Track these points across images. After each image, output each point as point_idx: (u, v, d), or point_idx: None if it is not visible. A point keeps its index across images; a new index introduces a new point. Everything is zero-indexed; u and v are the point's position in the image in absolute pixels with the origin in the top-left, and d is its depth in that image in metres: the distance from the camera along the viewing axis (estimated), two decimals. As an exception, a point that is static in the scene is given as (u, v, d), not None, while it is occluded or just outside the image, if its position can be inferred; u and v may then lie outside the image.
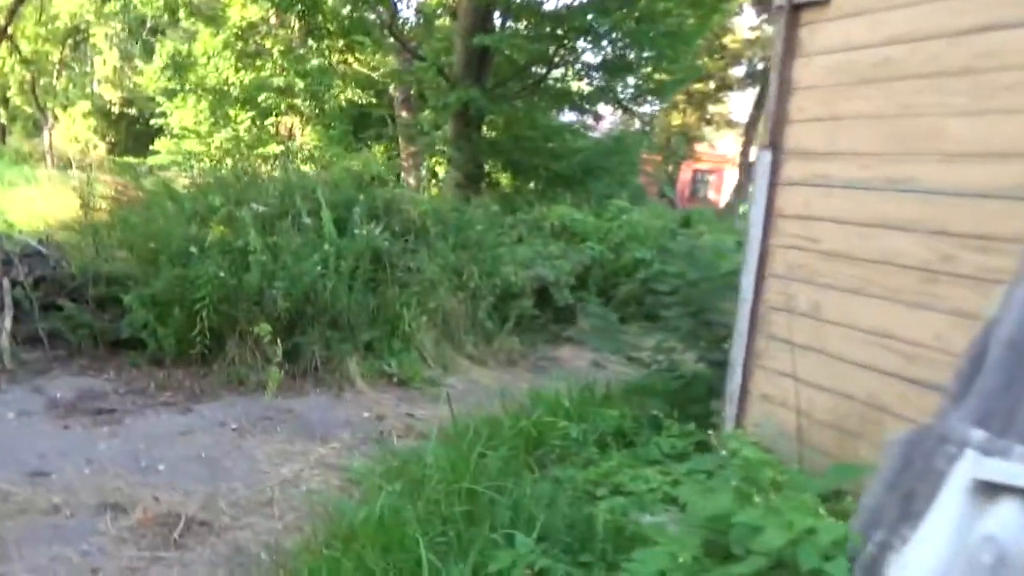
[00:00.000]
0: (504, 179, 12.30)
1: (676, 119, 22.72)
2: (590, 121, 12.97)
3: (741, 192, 26.85)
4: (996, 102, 3.02)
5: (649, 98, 12.10)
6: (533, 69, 11.81)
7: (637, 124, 14.34)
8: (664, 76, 11.14)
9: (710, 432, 4.60)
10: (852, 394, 3.59)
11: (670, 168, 23.61)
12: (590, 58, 11.42)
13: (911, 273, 3.34)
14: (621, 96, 11.77)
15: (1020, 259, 2.68)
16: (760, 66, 24.11)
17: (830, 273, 3.73)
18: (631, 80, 11.57)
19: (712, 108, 24.52)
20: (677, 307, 6.05)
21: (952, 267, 3.17)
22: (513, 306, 8.20)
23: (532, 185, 11.71)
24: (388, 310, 7.02)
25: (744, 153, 25.99)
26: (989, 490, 2.24)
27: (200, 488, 4.18)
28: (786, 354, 3.96)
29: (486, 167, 11.66)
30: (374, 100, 15.28)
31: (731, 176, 37.55)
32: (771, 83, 4.08)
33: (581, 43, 10.81)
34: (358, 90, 14.66)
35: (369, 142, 14.30)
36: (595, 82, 11.50)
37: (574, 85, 12.26)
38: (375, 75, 13.75)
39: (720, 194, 37.19)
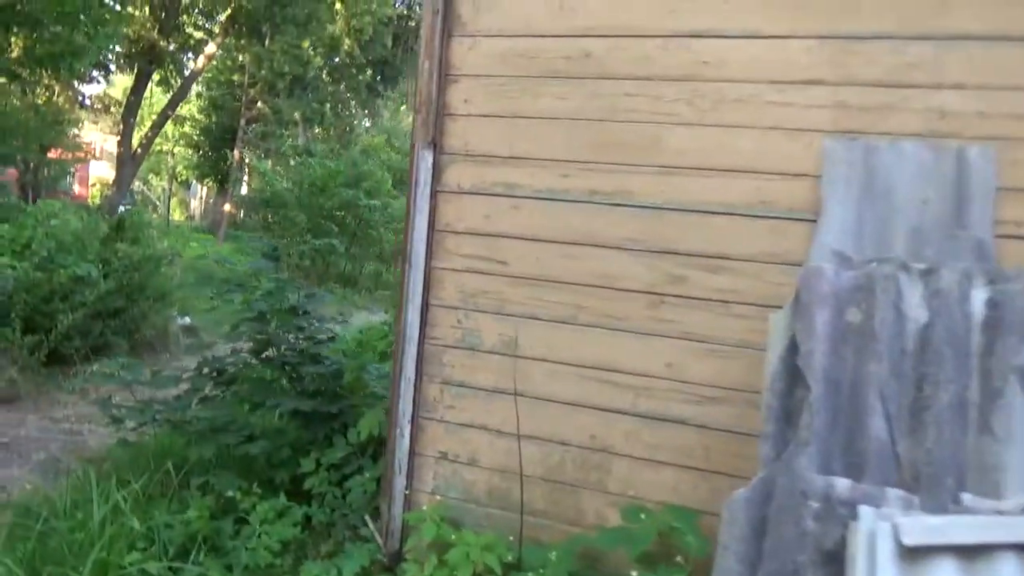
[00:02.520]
0: None
1: (40, 97, 18.57)
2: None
3: (122, 187, 23.89)
4: (721, 115, 2.87)
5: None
6: None
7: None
8: (82, 39, 8.56)
9: (365, 516, 3.57)
10: (567, 439, 3.10)
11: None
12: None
13: (635, 297, 3.00)
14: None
15: (801, 281, 2.55)
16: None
17: (526, 301, 3.14)
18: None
19: (85, 88, 20.94)
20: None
21: (681, 289, 2.94)
22: None
23: None
24: None
25: (123, 143, 23.11)
26: (915, 553, 2.01)
27: None
28: (470, 401, 3.23)
29: None
30: None
31: (98, 168, 33.54)
32: (422, 64, 3.24)
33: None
34: None
35: None
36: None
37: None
38: None
39: (87, 188, 32.82)
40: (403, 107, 28.35)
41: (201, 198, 39.65)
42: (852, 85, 2.71)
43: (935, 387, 2.33)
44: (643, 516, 2.71)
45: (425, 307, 3.28)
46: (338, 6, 22.89)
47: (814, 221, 2.77)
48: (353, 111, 28.55)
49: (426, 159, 3.20)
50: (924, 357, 2.38)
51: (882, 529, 2.05)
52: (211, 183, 30.88)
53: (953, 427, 2.28)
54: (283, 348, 4.39)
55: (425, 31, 3.20)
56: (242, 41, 23.10)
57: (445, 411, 3.28)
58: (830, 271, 2.55)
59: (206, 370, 4.77)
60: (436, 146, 3.22)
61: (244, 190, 27.31)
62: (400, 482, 3.30)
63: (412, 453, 3.32)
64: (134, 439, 4.52)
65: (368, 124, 29.45)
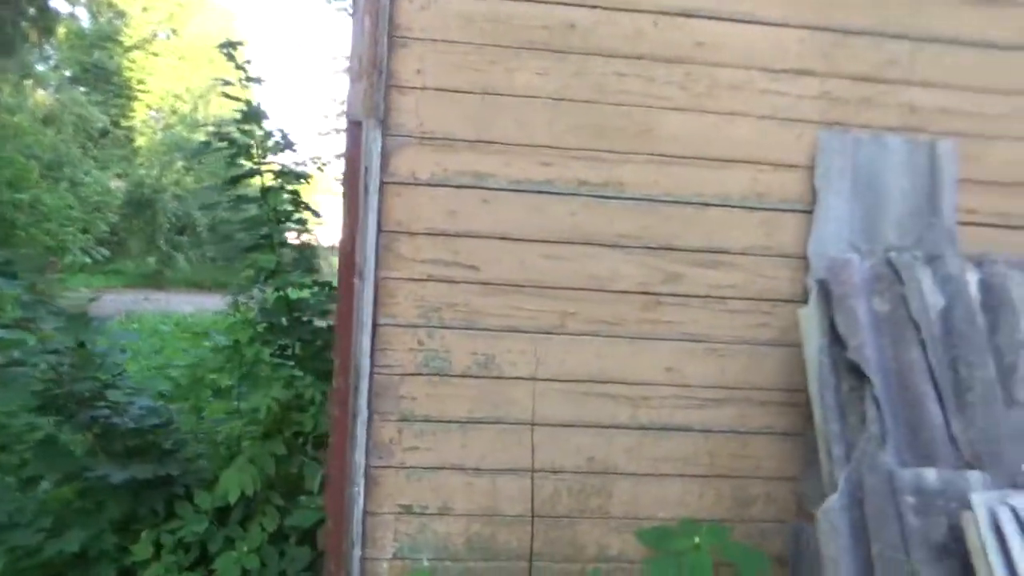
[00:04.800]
0: None
1: None
2: None
3: None
4: (716, 101, 2.70)
5: None
6: None
7: None
8: None
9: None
10: (560, 467, 2.71)
11: None
12: None
13: (629, 299, 2.71)
14: None
15: (828, 273, 2.52)
16: None
17: (504, 312, 2.67)
18: None
19: None
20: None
21: (679, 287, 2.73)
22: None
23: None
24: None
25: None
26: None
27: None
28: (439, 438, 2.66)
29: None
30: None
31: None
32: (360, 20, 2.54)
33: None
34: None
35: None
36: None
37: None
38: None
39: None
40: (27, 81, 23.53)
41: None
42: (838, 78, 2.74)
43: (969, 368, 2.45)
44: (695, 539, 2.43)
45: (375, 328, 2.61)
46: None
47: (804, 212, 2.75)
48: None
49: (376, 141, 2.53)
50: (950, 340, 2.49)
51: (1004, 514, 2.08)
52: None
53: (993, 404, 2.42)
54: (87, 396, 3.21)
55: (363, -22, 2.52)
56: None
57: (405, 455, 2.65)
58: (857, 261, 2.55)
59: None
60: (384, 126, 2.56)
61: None
62: (357, 553, 2.59)
63: (364, 513, 2.63)
64: None
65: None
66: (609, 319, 2.70)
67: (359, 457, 2.58)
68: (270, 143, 4.61)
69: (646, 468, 2.74)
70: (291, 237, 4.44)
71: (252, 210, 4.45)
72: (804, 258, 2.75)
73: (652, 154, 2.69)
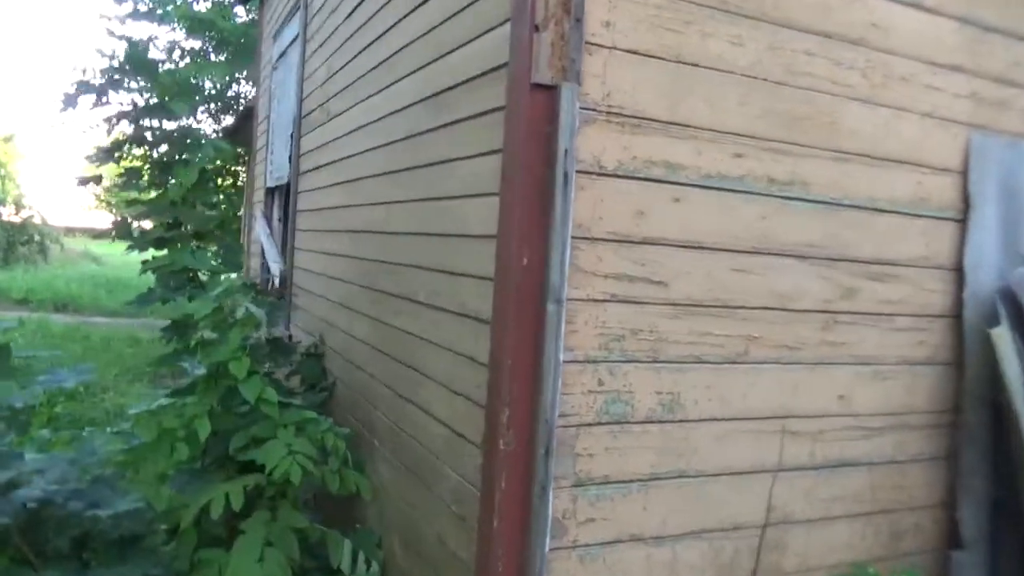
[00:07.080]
0: None
1: None
2: None
3: None
4: (892, 93, 2.40)
5: None
6: None
7: None
8: None
9: None
10: (740, 522, 2.25)
11: None
12: None
13: (809, 319, 2.33)
14: None
15: (1020, 288, 2.35)
16: None
17: (690, 339, 2.14)
18: None
19: None
20: None
21: (853, 304, 2.40)
22: None
23: None
24: None
25: None
26: None
27: None
28: (617, 504, 2.07)
29: None
30: None
31: None
32: (544, -52, 1.85)
33: None
34: None
35: None
36: None
37: None
38: None
39: None
40: None
41: None
42: (981, 77, 2.58)
43: None
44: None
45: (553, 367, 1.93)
46: None
47: (956, 221, 2.57)
48: None
49: (575, 116, 1.86)
50: (1120, 356, 2.44)
51: None
52: None
53: None
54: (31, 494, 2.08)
55: None
56: None
57: (580, 530, 2.01)
58: (1042, 275, 2.40)
59: None
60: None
61: None
62: (536, 672, 1.90)
63: (536, 614, 1.95)
64: None
65: None
66: (791, 343, 2.29)
67: (544, 545, 1.90)
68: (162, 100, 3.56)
69: (820, 511, 2.38)
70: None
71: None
72: (958, 270, 2.56)
73: (835, 150, 2.32)
